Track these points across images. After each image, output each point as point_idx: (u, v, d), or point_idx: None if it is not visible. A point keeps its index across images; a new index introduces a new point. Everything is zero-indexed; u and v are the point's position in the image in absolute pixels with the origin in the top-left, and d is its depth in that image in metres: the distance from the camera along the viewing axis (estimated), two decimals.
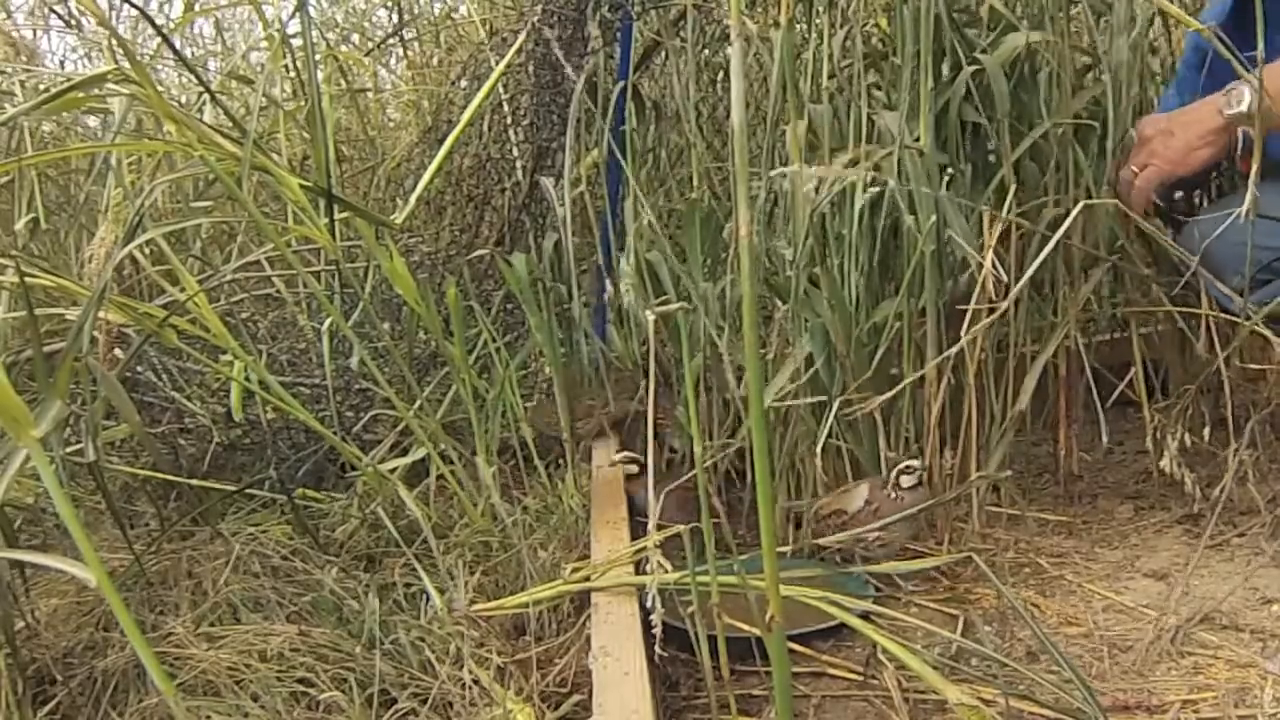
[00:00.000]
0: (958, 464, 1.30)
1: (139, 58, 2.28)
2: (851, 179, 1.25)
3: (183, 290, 1.27)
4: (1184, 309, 1.36)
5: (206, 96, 1.74)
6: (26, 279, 1.05)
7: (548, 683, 1.03)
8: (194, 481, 1.38)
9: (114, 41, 1.17)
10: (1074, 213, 1.19)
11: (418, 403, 1.37)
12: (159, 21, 2.51)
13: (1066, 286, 1.39)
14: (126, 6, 2.35)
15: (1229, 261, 1.26)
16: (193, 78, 1.76)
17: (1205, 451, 1.28)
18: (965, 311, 1.22)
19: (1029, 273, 1.18)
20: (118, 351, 1.32)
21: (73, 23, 2.38)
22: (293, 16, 1.27)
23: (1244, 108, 1.26)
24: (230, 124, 1.31)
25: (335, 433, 1.44)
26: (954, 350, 1.20)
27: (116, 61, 1.19)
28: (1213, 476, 1.29)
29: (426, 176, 1.39)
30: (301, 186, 1.19)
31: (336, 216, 1.20)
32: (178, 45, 2.61)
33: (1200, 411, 1.30)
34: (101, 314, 1.17)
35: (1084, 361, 1.36)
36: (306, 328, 1.68)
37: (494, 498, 1.31)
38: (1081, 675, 0.91)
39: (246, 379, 1.41)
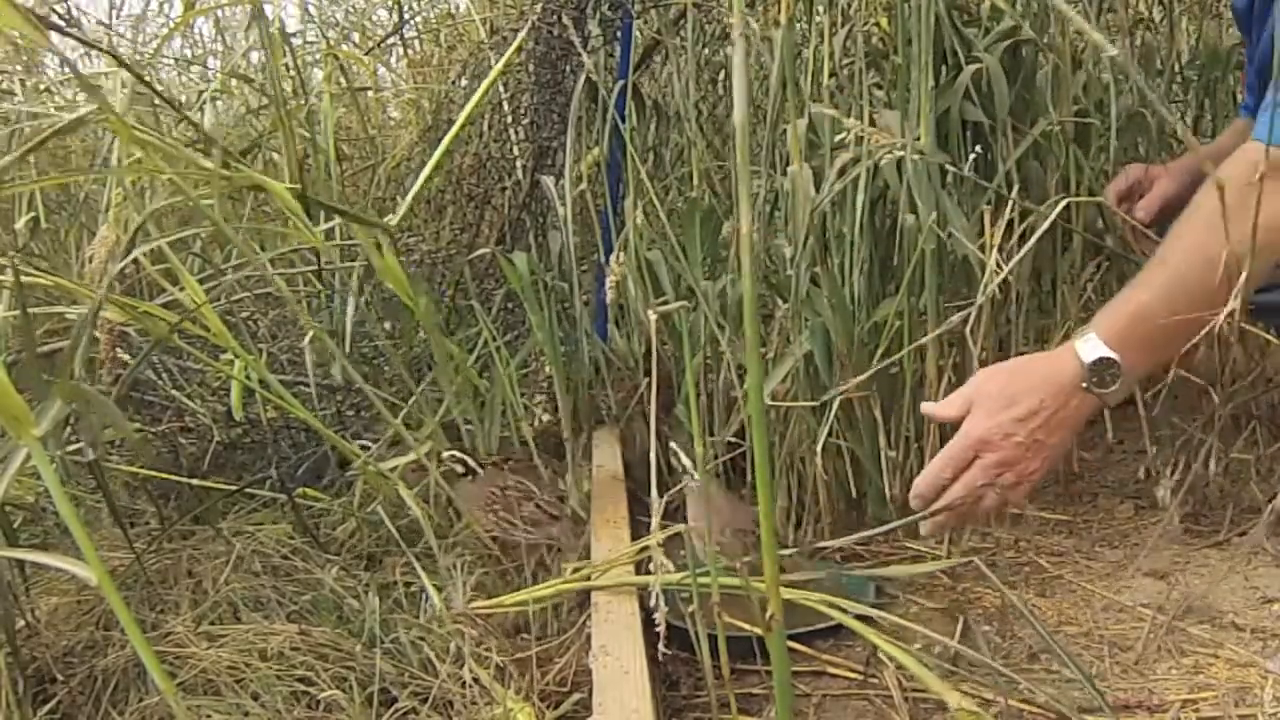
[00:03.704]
0: None
1: (139, 57, 2.29)
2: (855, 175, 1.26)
3: (182, 289, 1.27)
4: None
5: (206, 97, 1.75)
6: (26, 278, 1.05)
7: (548, 681, 1.03)
8: (194, 481, 1.38)
9: (109, 47, 1.16)
10: (1054, 204, 1.18)
11: (412, 399, 1.37)
12: (159, 20, 2.52)
13: (1067, 285, 1.39)
14: (127, 5, 2.34)
15: None
16: (191, 77, 1.76)
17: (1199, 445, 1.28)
18: None
19: (1013, 252, 1.16)
20: (120, 352, 1.32)
21: (72, 23, 2.38)
22: (279, 20, 1.27)
23: (1120, 387, 1.03)
24: (225, 127, 1.31)
25: (335, 432, 1.44)
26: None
27: (117, 62, 1.18)
28: (1211, 476, 1.29)
29: (423, 176, 1.39)
30: (292, 192, 1.18)
31: (329, 224, 1.20)
32: (178, 44, 2.61)
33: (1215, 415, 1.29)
34: (102, 313, 1.17)
35: None
36: (307, 326, 1.68)
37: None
38: (1088, 675, 0.92)
39: (246, 378, 1.41)
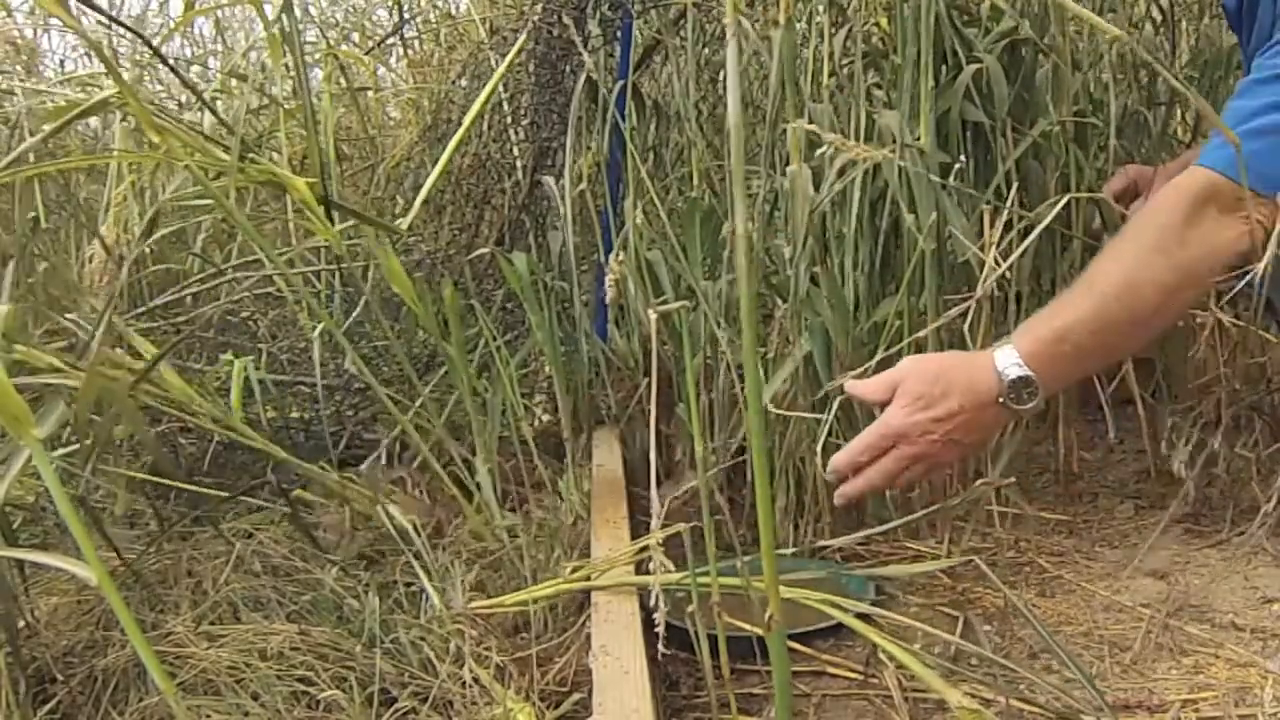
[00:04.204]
0: (958, 463, 1.30)
1: (140, 56, 2.29)
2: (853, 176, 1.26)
3: (182, 290, 1.27)
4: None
5: (206, 97, 1.75)
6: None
7: (547, 681, 1.03)
8: (191, 487, 1.37)
9: (109, 48, 1.17)
10: (1060, 202, 1.19)
11: (419, 401, 1.37)
12: (159, 20, 2.52)
13: (1066, 285, 1.39)
14: (128, 6, 2.35)
15: None
16: (192, 77, 1.76)
17: (1206, 450, 1.28)
18: None
19: (1016, 254, 1.17)
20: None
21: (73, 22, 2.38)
22: (279, 15, 1.26)
23: (1036, 403, 1.06)
24: (225, 128, 1.31)
25: (335, 431, 1.45)
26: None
27: (115, 67, 1.18)
28: (1212, 475, 1.29)
29: (430, 180, 1.39)
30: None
31: (343, 225, 1.20)
32: (179, 44, 2.61)
33: (1217, 413, 1.29)
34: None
35: None
36: (307, 326, 1.68)
37: (491, 504, 1.31)
38: (1088, 675, 0.92)
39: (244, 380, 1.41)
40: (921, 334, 1.24)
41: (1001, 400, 1.07)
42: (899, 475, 1.10)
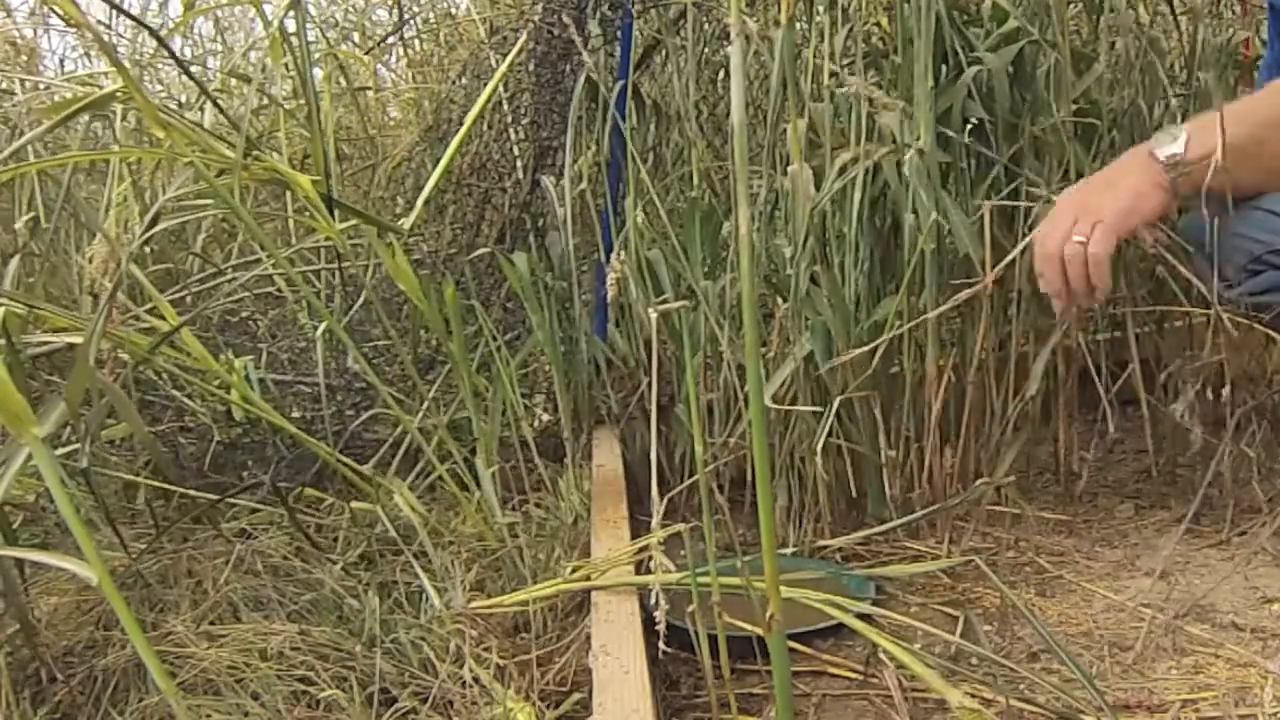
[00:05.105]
0: (958, 463, 1.30)
1: (140, 56, 2.29)
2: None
3: (184, 288, 1.27)
4: (1189, 308, 1.36)
5: (206, 96, 1.75)
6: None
7: (547, 681, 1.03)
8: (192, 492, 1.37)
9: (110, 46, 1.17)
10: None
11: (424, 404, 1.37)
12: (160, 19, 2.52)
13: None
14: (127, 6, 2.35)
15: (1227, 255, 1.24)
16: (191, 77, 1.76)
17: (1208, 448, 1.28)
18: None
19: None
20: (119, 352, 1.32)
21: (73, 23, 2.37)
22: (286, 13, 1.26)
23: (1179, 148, 1.13)
24: (229, 126, 1.31)
25: (335, 430, 1.44)
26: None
27: (118, 60, 1.18)
28: (1213, 475, 1.29)
29: (432, 181, 1.39)
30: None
31: (344, 224, 1.20)
32: (178, 44, 2.61)
33: (1219, 412, 1.29)
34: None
35: (1086, 359, 1.36)
36: (307, 326, 1.68)
37: (492, 503, 1.31)
38: (1088, 675, 0.92)
39: (245, 380, 1.41)
40: (921, 319, 1.25)
41: (1148, 150, 1.15)
42: (1068, 231, 1.15)
